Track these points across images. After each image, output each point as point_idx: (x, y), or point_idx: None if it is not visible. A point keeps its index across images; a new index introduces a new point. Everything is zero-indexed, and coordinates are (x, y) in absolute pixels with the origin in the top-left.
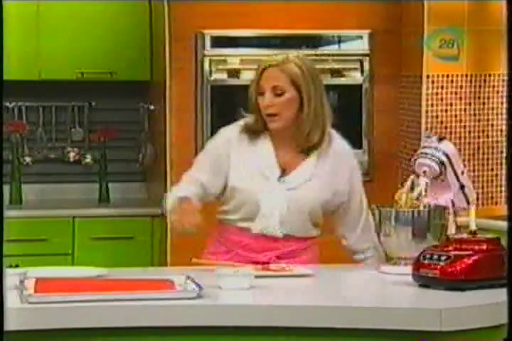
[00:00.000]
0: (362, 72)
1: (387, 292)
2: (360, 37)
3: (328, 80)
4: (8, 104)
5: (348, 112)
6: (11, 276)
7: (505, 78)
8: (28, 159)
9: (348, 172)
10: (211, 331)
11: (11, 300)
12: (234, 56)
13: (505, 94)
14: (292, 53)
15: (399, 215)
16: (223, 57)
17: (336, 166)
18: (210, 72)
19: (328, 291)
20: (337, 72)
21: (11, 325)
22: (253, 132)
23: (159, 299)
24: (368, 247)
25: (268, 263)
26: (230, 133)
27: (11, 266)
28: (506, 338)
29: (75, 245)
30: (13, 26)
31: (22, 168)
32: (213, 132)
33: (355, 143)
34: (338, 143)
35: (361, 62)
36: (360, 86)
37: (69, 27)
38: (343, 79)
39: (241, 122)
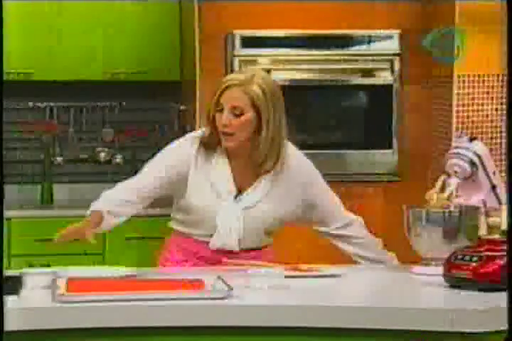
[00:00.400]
0: (392, 72)
1: (414, 292)
2: (391, 37)
3: (358, 80)
4: (39, 104)
5: (378, 112)
6: (43, 276)
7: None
8: (59, 159)
9: (303, 185)
10: (240, 331)
11: (43, 299)
12: (264, 56)
13: None
14: (258, 73)
15: (430, 215)
16: (253, 58)
17: (292, 181)
18: None
19: (356, 292)
20: (367, 72)
21: (43, 323)
22: (209, 146)
23: (189, 299)
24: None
25: None
26: (190, 149)
27: (42, 266)
28: (507, 338)
29: (107, 245)
30: (44, 26)
31: (53, 167)
32: None
33: (385, 143)
34: (293, 156)
35: (392, 62)
36: (391, 86)
37: (99, 27)
38: (373, 79)
39: (197, 135)
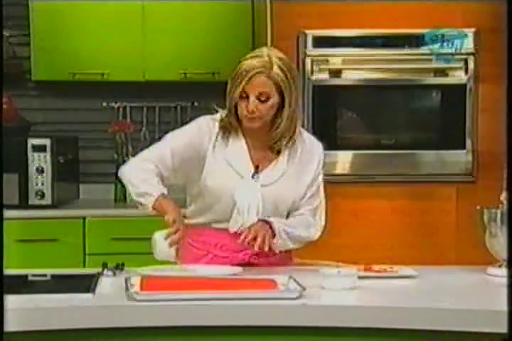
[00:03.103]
0: (466, 71)
1: (489, 294)
2: (465, 35)
3: (432, 79)
4: (113, 104)
5: (452, 112)
6: (122, 275)
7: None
8: (132, 159)
9: (315, 169)
10: (313, 331)
11: (117, 297)
12: (336, 56)
13: None
14: (273, 52)
15: (505, 216)
16: (325, 57)
17: (305, 163)
18: (312, 72)
19: (431, 293)
20: (441, 72)
21: (116, 321)
22: (227, 129)
23: (262, 298)
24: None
25: (249, 262)
26: (213, 129)
27: (117, 265)
28: (507, 338)
29: None
30: (119, 27)
31: None
32: (315, 132)
33: (459, 143)
34: (308, 140)
35: (466, 61)
36: (465, 85)
37: (173, 28)
38: (447, 78)
39: (218, 117)
